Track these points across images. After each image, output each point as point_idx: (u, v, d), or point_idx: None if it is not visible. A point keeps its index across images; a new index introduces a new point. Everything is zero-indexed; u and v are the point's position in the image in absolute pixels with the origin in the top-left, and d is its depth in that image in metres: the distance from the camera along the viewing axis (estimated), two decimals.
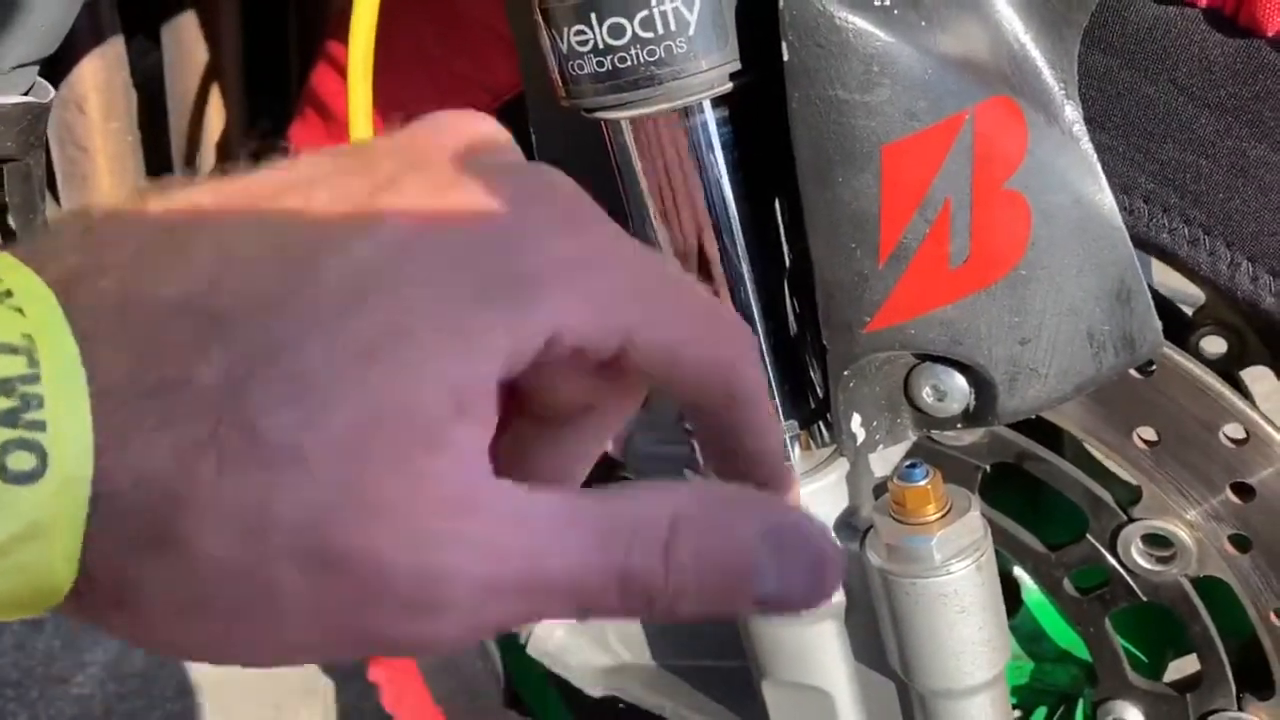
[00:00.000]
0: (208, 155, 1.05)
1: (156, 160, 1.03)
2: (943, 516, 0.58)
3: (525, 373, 0.33)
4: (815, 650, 0.65)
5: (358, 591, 0.29)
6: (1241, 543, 0.64)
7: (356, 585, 0.29)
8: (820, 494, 0.61)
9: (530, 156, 0.66)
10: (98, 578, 0.28)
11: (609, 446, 0.69)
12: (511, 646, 0.85)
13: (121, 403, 0.28)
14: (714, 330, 0.36)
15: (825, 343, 0.55)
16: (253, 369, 0.29)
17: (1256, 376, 0.74)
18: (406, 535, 0.29)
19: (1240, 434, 0.62)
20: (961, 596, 0.58)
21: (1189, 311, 0.78)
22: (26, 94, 0.64)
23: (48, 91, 0.66)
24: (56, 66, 0.79)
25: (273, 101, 1.06)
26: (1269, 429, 0.62)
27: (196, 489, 0.28)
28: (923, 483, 0.58)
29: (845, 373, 0.56)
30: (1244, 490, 0.63)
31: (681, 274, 0.39)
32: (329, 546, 0.29)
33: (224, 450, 0.28)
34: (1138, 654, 0.75)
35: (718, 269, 0.56)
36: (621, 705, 0.81)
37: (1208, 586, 0.67)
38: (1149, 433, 0.64)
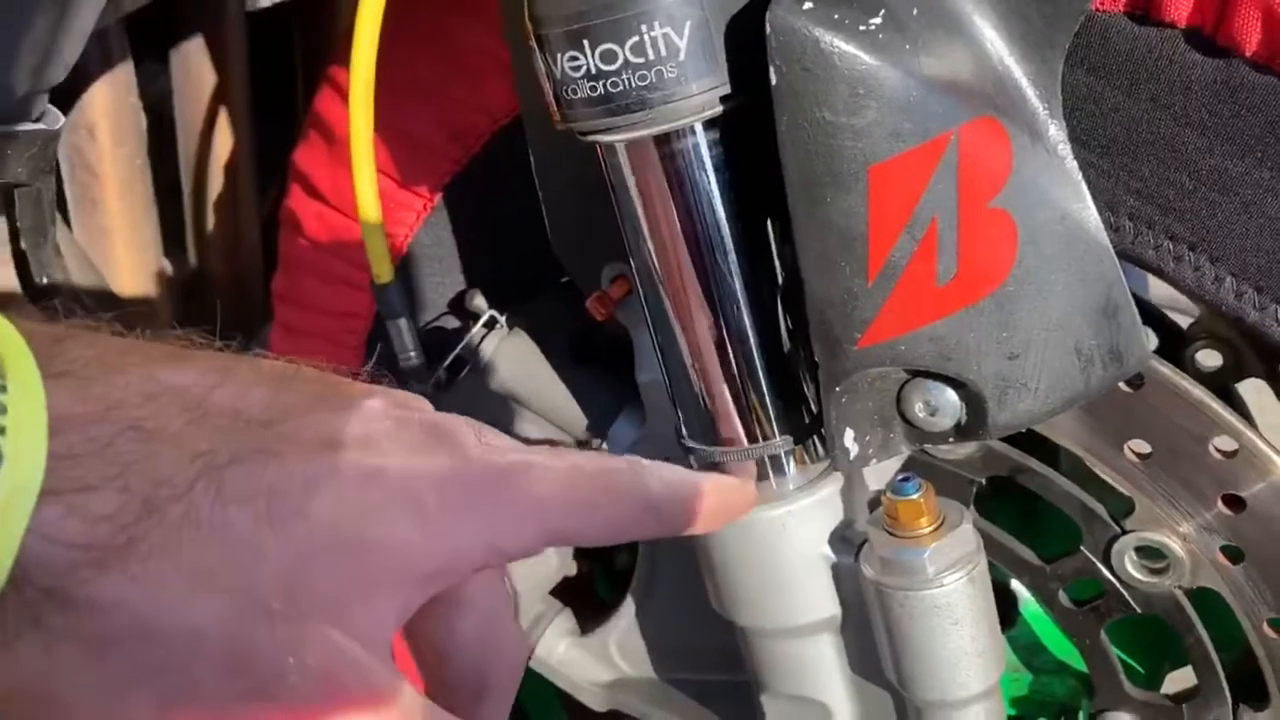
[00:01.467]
0: (215, 178, 1.07)
1: (164, 184, 1.04)
2: (935, 529, 0.59)
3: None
4: (813, 663, 0.66)
5: None
6: (1234, 554, 0.65)
7: None
8: (815, 508, 0.62)
9: (530, 176, 0.68)
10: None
11: None
12: None
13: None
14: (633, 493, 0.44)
15: (817, 359, 0.56)
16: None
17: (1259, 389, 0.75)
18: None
19: (1231, 446, 0.63)
20: (954, 608, 0.59)
21: (1185, 324, 0.79)
22: (37, 121, 0.66)
23: (58, 119, 0.67)
24: (66, 92, 0.81)
25: (279, 125, 1.07)
26: (1259, 441, 0.62)
27: None
28: (915, 496, 0.59)
29: (838, 388, 0.57)
30: (1235, 502, 0.63)
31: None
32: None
33: None
34: (1134, 665, 0.76)
35: (711, 287, 0.57)
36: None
37: (1202, 598, 0.67)
38: (1140, 445, 0.65)
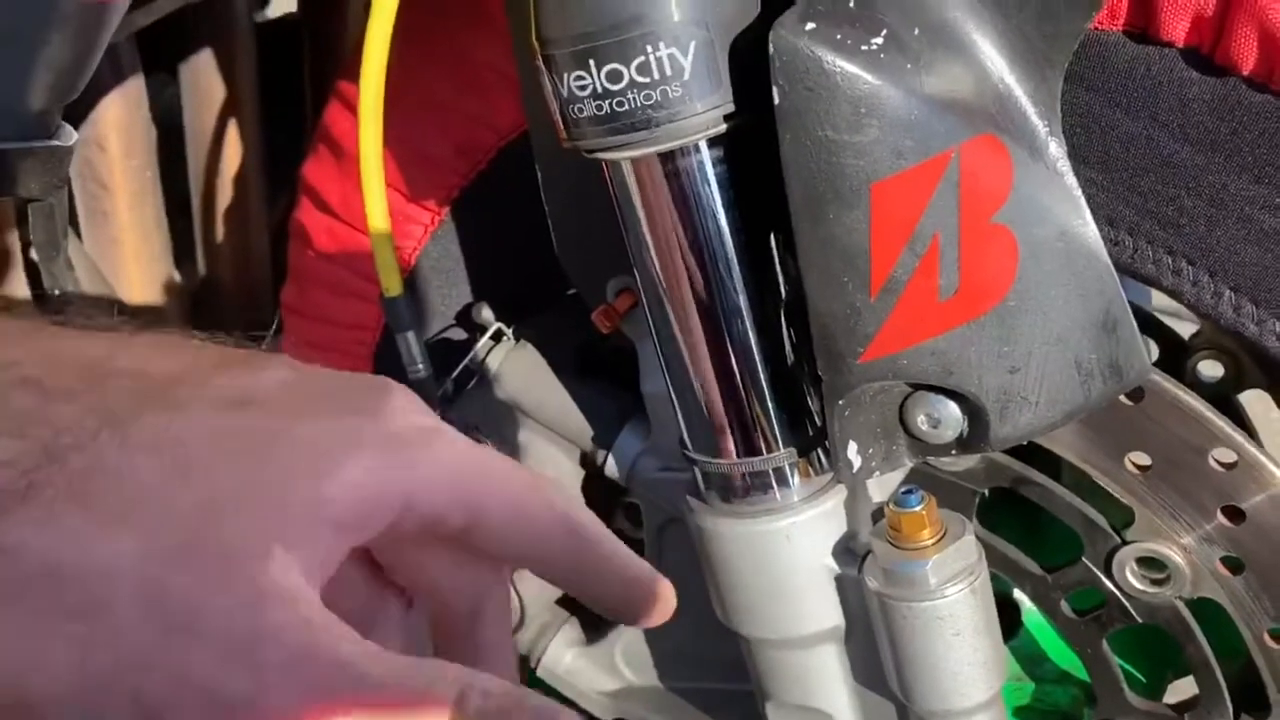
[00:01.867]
0: (225, 190, 1.08)
1: (174, 196, 1.05)
2: (937, 541, 0.60)
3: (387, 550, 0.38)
4: (817, 673, 0.66)
5: None
6: (1234, 565, 0.65)
7: None
8: (819, 520, 0.63)
9: (536, 192, 0.68)
10: None
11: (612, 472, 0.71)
12: (522, 671, 0.87)
13: None
14: (548, 491, 0.41)
15: (821, 373, 0.57)
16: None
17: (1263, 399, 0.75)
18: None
19: (1230, 458, 0.64)
20: (957, 619, 0.60)
21: (1187, 335, 0.79)
22: (51, 137, 0.66)
23: (71, 135, 0.68)
24: (77, 104, 0.82)
25: (287, 137, 1.08)
26: (1258, 453, 0.63)
27: None
28: (918, 508, 0.60)
29: (841, 402, 0.58)
30: (1235, 513, 0.64)
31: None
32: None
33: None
34: (1136, 675, 0.76)
35: (715, 302, 0.58)
36: None
37: (1202, 608, 0.68)
38: (1141, 457, 0.65)
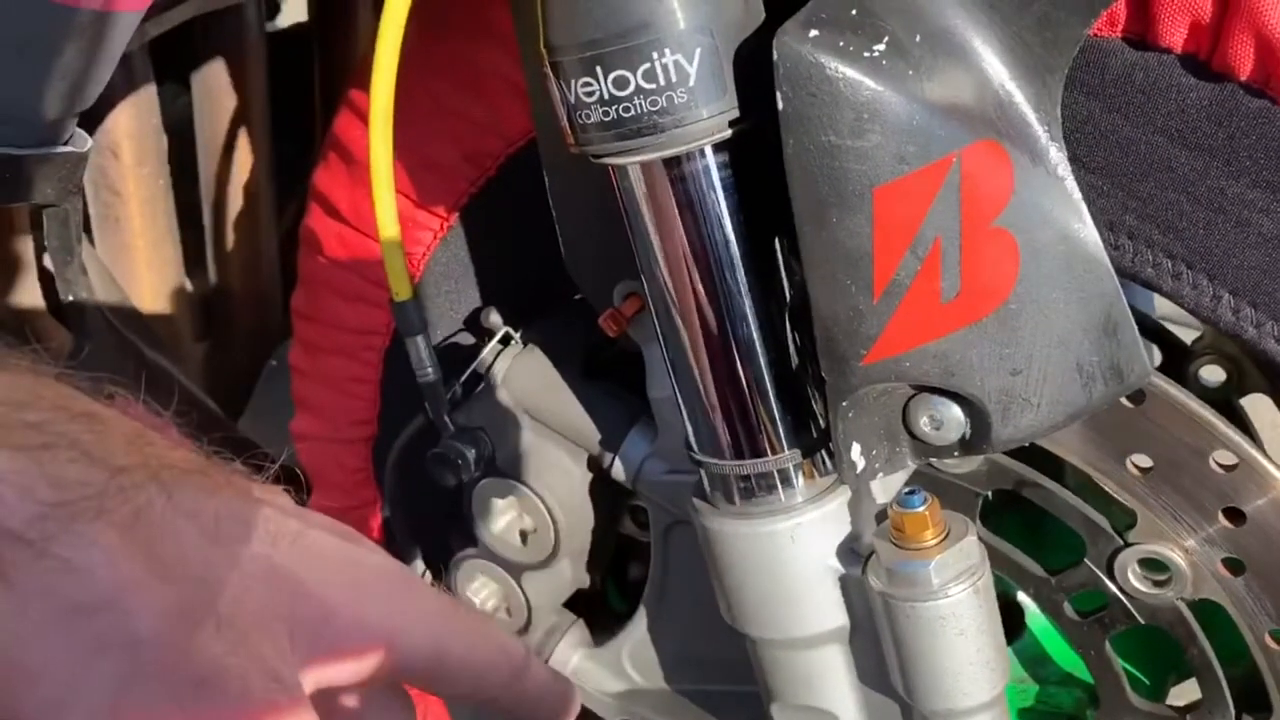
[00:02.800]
0: (235, 197, 1.09)
1: (185, 203, 1.06)
2: (940, 541, 0.60)
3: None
4: (821, 673, 0.67)
5: None
6: (1235, 566, 0.66)
7: None
8: (823, 521, 0.63)
9: (544, 198, 0.69)
10: None
11: (619, 475, 0.72)
12: None
13: None
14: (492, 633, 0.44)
15: (824, 375, 0.58)
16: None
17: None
18: None
19: (1231, 460, 0.64)
20: (960, 619, 0.60)
21: (1189, 340, 0.80)
22: (66, 144, 0.67)
23: (86, 141, 0.69)
24: (91, 112, 0.83)
25: (297, 146, 1.10)
26: (1259, 456, 0.63)
27: None
28: (921, 509, 0.60)
29: (844, 403, 0.58)
30: (1236, 515, 0.65)
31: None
32: None
33: None
34: (1139, 676, 0.77)
35: (721, 305, 0.59)
36: None
37: (1205, 610, 0.68)
38: (1142, 460, 0.66)
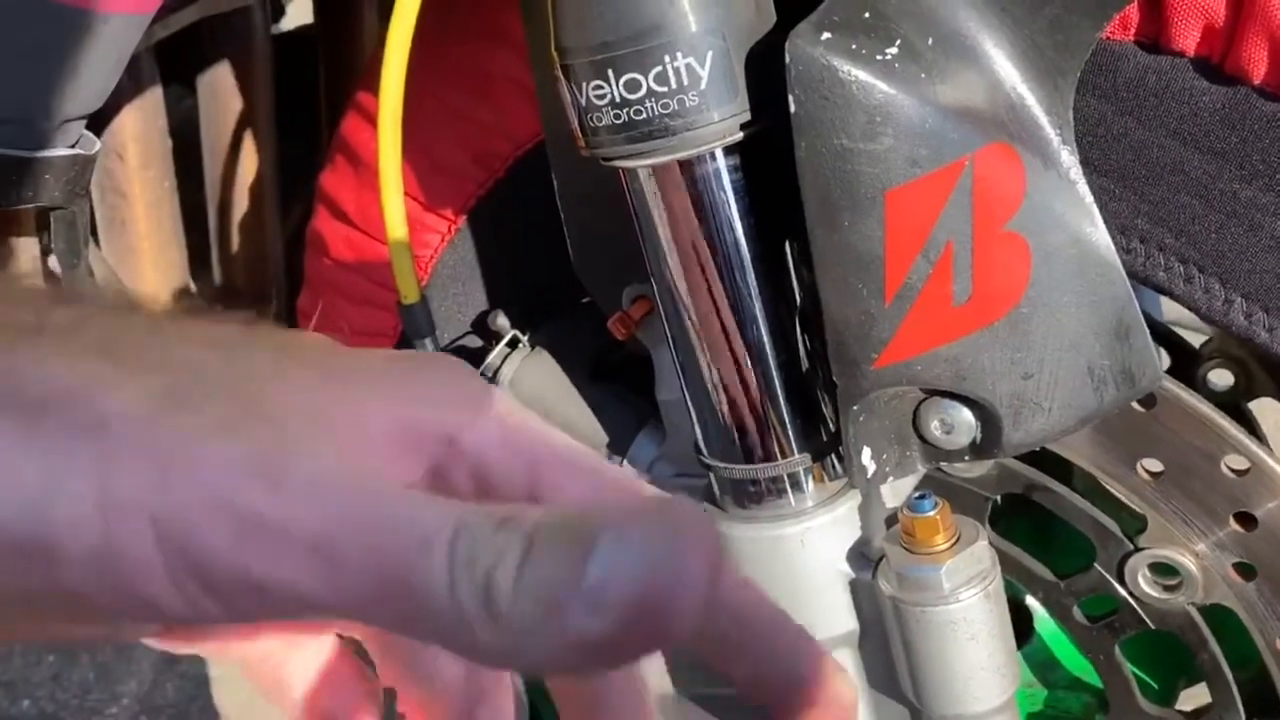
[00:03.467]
0: (240, 200, 1.09)
1: (191, 205, 1.06)
2: (951, 546, 0.60)
3: None
4: None
5: None
6: (1246, 571, 0.66)
7: None
8: (833, 525, 0.63)
9: (552, 201, 0.69)
10: None
11: None
12: (534, 681, 0.87)
13: None
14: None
15: (835, 379, 0.57)
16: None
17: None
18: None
19: (1242, 465, 0.64)
20: (970, 624, 0.60)
21: (1198, 344, 0.80)
22: (74, 146, 0.67)
23: (93, 144, 0.69)
24: (97, 114, 0.83)
25: (303, 148, 1.09)
26: (1270, 460, 0.63)
27: None
28: (931, 513, 0.60)
29: (855, 407, 0.58)
30: (1247, 519, 0.64)
31: None
32: None
33: None
34: (1149, 681, 0.76)
35: (731, 308, 0.59)
36: None
37: (1215, 614, 0.68)
38: (1153, 464, 0.66)
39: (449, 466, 0.32)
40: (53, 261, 0.89)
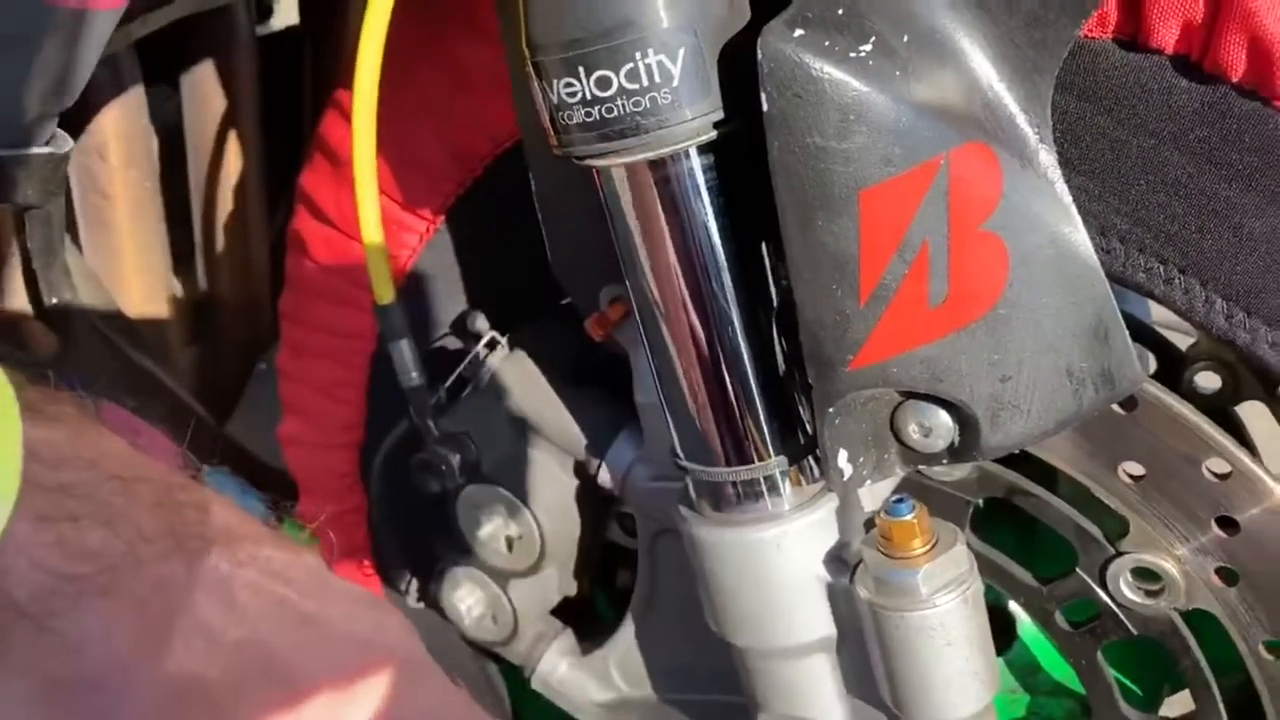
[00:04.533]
0: (225, 200, 1.08)
1: (175, 206, 1.06)
2: (929, 550, 0.59)
3: None
4: (808, 683, 0.66)
5: None
6: (1229, 576, 0.65)
7: None
8: (810, 528, 0.62)
9: (531, 200, 0.69)
10: None
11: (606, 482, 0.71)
12: (517, 681, 0.87)
13: None
14: None
15: (811, 380, 0.57)
16: None
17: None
18: None
19: (1224, 469, 0.63)
20: (948, 629, 0.59)
21: (1185, 347, 0.79)
22: (47, 144, 0.67)
23: (66, 142, 0.68)
24: (78, 115, 0.82)
25: (288, 148, 1.09)
26: (1252, 464, 0.63)
27: None
28: (909, 517, 0.59)
29: (831, 410, 0.57)
30: (1229, 524, 0.64)
31: None
32: None
33: None
34: (1132, 687, 0.76)
35: (706, 310, 0.58)
36: None
37: (1198, 620, 0.67)
38: (1134, 467, 0.65)
39: None
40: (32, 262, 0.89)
